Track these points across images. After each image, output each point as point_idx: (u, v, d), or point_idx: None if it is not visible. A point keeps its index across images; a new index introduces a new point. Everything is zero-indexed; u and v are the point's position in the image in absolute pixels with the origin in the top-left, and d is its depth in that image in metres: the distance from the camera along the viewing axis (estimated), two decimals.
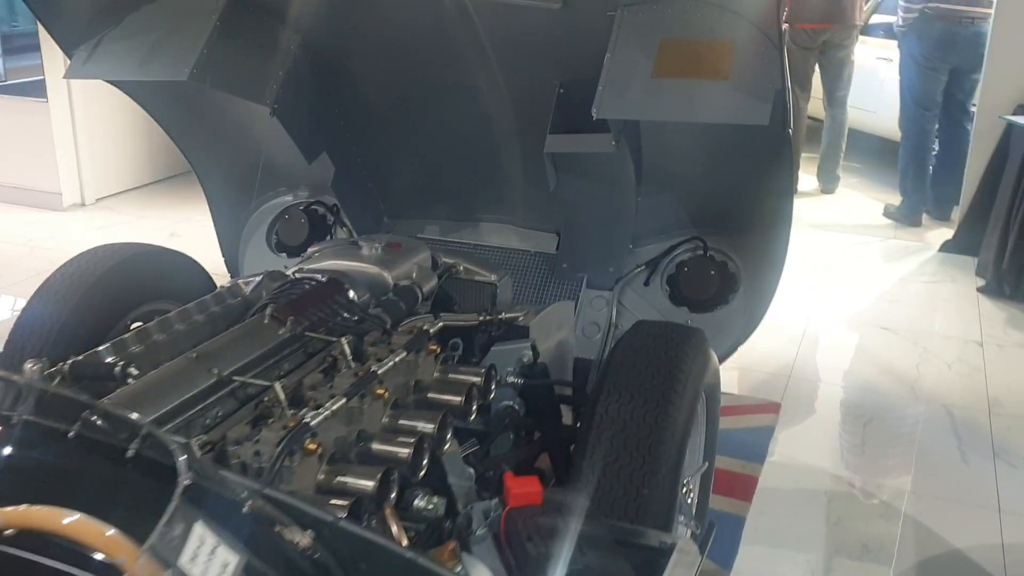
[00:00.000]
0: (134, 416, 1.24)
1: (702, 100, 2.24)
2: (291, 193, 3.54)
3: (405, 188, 3.39)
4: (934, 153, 6.11)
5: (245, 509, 1.24)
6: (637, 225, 3.09)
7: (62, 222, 5.90)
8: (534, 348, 2.39)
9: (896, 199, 6.08)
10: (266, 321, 2.00)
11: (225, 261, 3.49)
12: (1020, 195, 4.52)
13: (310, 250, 2.77)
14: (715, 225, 3.09)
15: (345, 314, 2.16)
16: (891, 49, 6.66)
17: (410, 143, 3.21)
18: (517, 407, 2.38)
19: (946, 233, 5.66)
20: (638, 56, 2.30)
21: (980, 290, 4.79)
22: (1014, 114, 4.93)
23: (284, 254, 3.49)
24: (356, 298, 2.24)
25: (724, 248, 3.09)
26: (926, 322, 4.48)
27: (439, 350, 2.05)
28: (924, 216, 6.02)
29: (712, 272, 3.06)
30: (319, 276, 2.26)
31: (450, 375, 2.06)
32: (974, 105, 5.62)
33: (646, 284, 3.12)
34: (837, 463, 3.27)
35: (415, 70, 2.92)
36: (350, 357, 1.92)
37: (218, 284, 2.73)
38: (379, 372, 1.83)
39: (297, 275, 2.30)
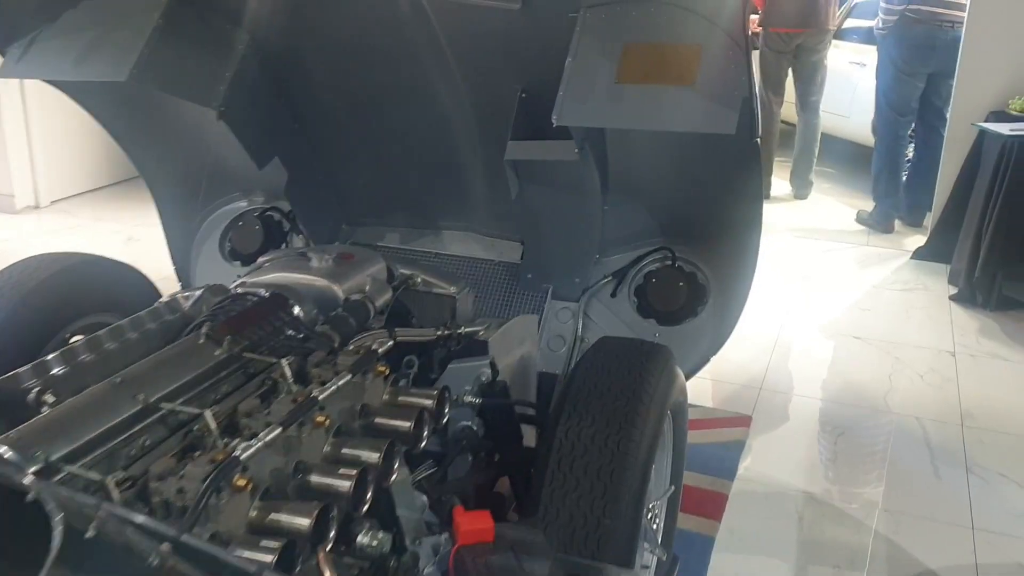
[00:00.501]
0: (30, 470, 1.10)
1: (667, 107, 2.13)
2: (245, 198, 3.41)
3: (364, 194, 3.26)
4: (908, 159, 6.10)
5: (154, 563, 1.12)
6: (604, 234, 2.98)
7: (15, 225, 5.71)
8: (493, 365, 2.28)
9: (869, 204, 6.03)
10: (201, 341, 1.86)
11: (176, 270, 3.35)
12: (992, 203, 4.46)
13: (259, 260, 2.64)
14: (684, 234, 2.99)
15: (289, 332, 2.03)
16: (865, 54, 6.64)
17: (368, 148, 3.09)
18: (475, 428, 2.27)
19: (919, 239, 5.62)
20: (601, 60, 2.19)
21: (952, 298, 4.74)
22: (986, 121, 4.88)
23: (238, 262, 3.35)
24: (302, 314, 2.11)
25: (693, 258, 2.99)
26: (899, 331, 4.42)
27: (387, 371, 1.92)
28: (897, 222, 5.98)
29: (680, 283, 2.96)
30: (262, 291, 2.13)
31: (400, 398, 1.94)
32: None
33: (613, 295, 3.02)
34: (809, 478, 3.19)
35: (372, 72, 2.79)
36: (291, 380, 1.79)
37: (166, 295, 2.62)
38: (320, 397, 1.70)
39: (239, 290, 2.17)
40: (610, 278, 3.04)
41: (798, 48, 6.10)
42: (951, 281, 4.92)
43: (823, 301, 4.79)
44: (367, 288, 2.39)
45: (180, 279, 3.33)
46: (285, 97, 2.92)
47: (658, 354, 2.17)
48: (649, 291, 3.00)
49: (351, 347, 2.12)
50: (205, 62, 2.64)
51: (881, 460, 3.32)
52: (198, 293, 2.18)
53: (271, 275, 2.29)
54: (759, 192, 2.60)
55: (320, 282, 2.29)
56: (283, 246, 3.36)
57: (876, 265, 5.37)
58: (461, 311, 2.65)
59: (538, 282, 3.05)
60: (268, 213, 3.36)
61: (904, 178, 6.13)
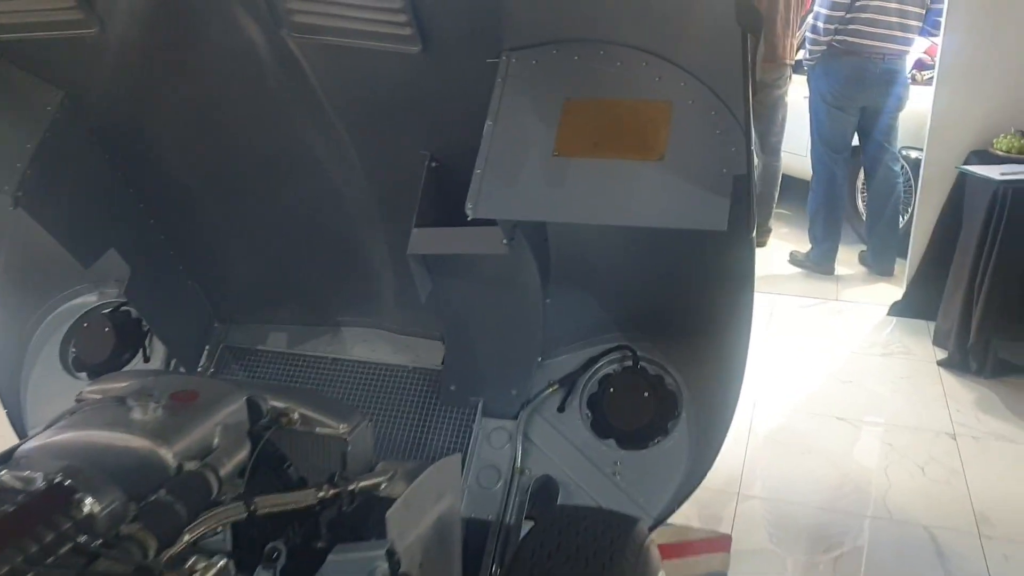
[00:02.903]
0: None
1: (626, 192, 1.50)
2: (95, 291, 2.69)
3: (241, 285, 2.57)
4: (865, 202, 5.66)
5: None
6: (547, 331, 2.34)
7: None
8: (392, 554, 1.61)
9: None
10: None
11: None
12: (986, 258, 3.93)
13: (79, 396, 1.96)
14: (647, 329, 2.36)
15: (78, 541, 1.33)
16: None
17: (241, 230, 2.41)
18: None
19: (891, 290, 5.11)
20: (532, 124, 1.56)
21: (941, 364, 4.20)
22: (967, 162, 4.39)
23: (83, 374, 2.64)
24: (98, 509, 1.41)
25: (659, 358, 2.36)
26: (887, 408, 3.85)
27: None
28: (865, 271, 5.50)
29: (645, 392, 2.32)
30: (38, 477, 1.43)
31: None
32: (919, 149, 5.11)
33: (561, 409, 2.37)
34: None
35: (235, 137, 2.13)
36: None
37: None
38: None
39: (4, 476, 1.46)
40: (556, 386, 2.38)
41: (755, 84, 5.59)
42: (937, 342, 4.38)
43: (797, 371, 4.20)
44: (215, 443, 1.71)
45: (5, 405, 2.59)
46: (122, 171, 2.22)
47: (629, 539, 1.52)
48: (606, 402, 2.35)
49: (184, 540, 1.46)
50: None
51: None
52: None
53: (64, 436, 1.60)
54: (749, 282, 1.98)
55: (140, 444, 1.60)
56: (140, 352, 2.65)
57: (849, 323, 4.83)
58: (356, 454, 1.97)
59: (464, 395, 2.39)
60: (123, 309, 2.65)
61: (865, 221, 5.69)
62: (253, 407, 1.92)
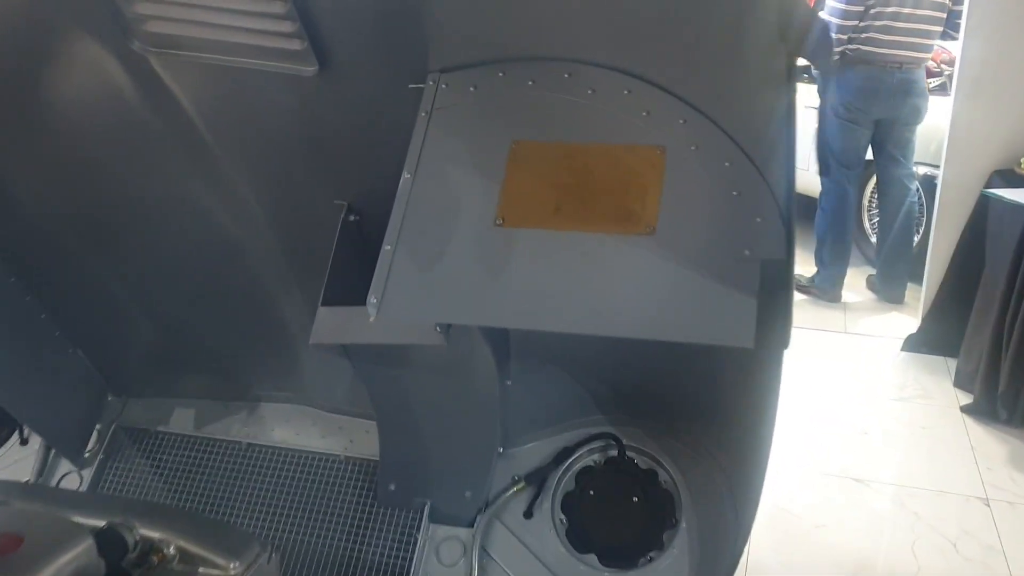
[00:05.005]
0: None
1: (600, 283, 1.03)
2: None
3: (138, 353, 2.10)
4: (877, 221, 5.23)
5: None
6: (509, 417, 1.87)
7: None
8: None
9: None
10: None
11: None
12: (1017, 292, 3.47)
13: None
14: (635, 413, 1.89)
15: None
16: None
17: (134, 287, 1.93)
18: None
19: (904, 320, 4.65)
20: (466, 178, 1.09)
21: (965, 410, 3.74)
22: (991, 184, 3.93)
23: None
24: None
25: (652, 450, 1.89)
26: (909, 467, 3.39)
27: None
28: (873, 298, 5.05)
29: (634, 495, 1.85)
30: None
31: None
32: (931, 165, 4.69)
33: (528, 515, 1.89)
34: None
35: (107, 177, 1.65)
36: None
37: None
38: None
39: None
40: (522, 484, 1.91)
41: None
42: (958, 384, 3.92)
43: (806, 421, 3.73)
44: None
45: None
46: None
47: None
48: (585, 505, 1.88)
49: None
50: None
51: None
52: None
53: None
54: (777, 373, 1.50)
55: None
56: (16, 433, 2.17)
57: (860, 360, 4.36)
58: None
59: (406, 496, 1.91)
60: None
61: (874, 243, 5.26)
62: (114, 540, 1.46)
